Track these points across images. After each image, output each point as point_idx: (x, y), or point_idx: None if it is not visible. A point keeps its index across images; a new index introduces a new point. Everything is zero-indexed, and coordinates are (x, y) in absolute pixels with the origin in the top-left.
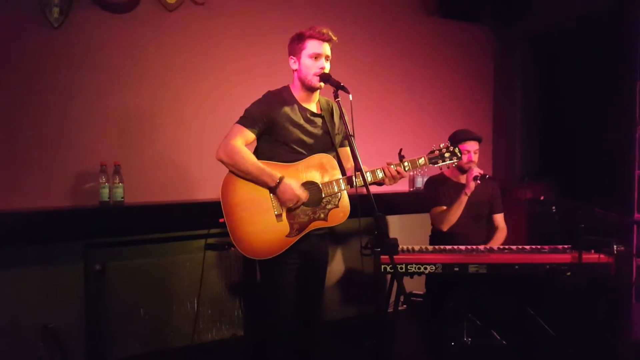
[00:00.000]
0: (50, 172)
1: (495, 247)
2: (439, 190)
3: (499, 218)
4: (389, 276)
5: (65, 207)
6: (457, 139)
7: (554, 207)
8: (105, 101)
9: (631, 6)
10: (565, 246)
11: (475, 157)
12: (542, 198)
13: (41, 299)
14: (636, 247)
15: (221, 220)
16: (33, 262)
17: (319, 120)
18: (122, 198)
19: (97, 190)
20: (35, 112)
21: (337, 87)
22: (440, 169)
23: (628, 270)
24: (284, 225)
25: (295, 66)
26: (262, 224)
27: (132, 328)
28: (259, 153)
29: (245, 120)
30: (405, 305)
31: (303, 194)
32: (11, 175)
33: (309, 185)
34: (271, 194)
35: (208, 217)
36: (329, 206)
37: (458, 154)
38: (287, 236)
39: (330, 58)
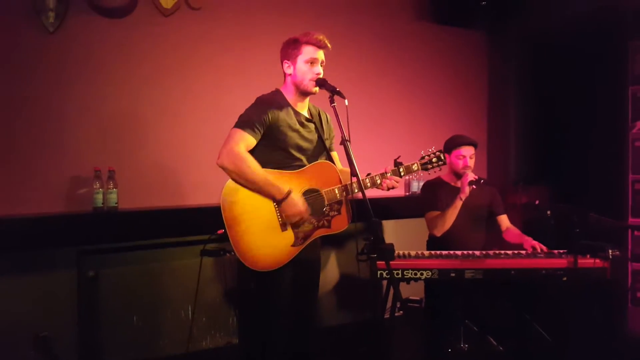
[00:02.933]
0: (43, 177)
1: (491, 253)
2: (435, 194)
3: (505, 219)
4: (385, 282)
5: (58, 213)
6: (452, 143)
7: (548, 212)
8: (100, 106)
9: (623, 12)
10: (561, 251)
11: (471, 162)
12: (537, 203)
13: (33, 307)
14: (630, 251)
15: (220, 232)
16: (25, 269)
17: (311, 126)
18: (116, 204)
19: (90, 195)
20: (29, 116)
21: (333, 92)
22: (430, 174)
23: (623, 275)
24: (289, 235)
25: (289, 70)
26: (266, 234)
27: (125, 336)
28: (255, 159)
29: (246, 125)
30: (401, 312)
31: (306, 212)
32: (3, 180)
33: (311, 192)
34: (275, 204)
35: (203, 223)
36: (332, 213)
37: (442, 158)
38: (292, 245)
39: (324, 64)
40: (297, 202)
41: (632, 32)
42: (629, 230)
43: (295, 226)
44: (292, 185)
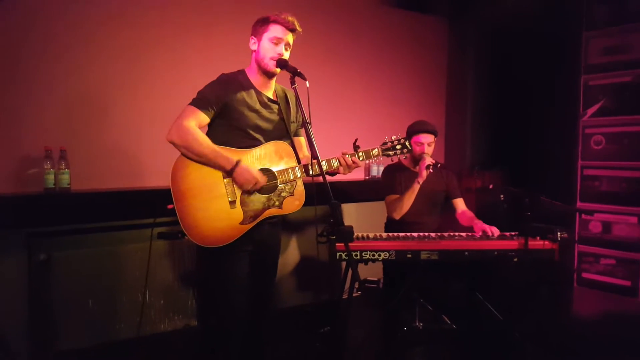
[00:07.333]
0: None
1: (446, 234)
2: (395, 178)
3: (460, 202)
4: (343, 263)
5: (6, 193)
6: (412, 130)
7: (502, 196)
8: (50, 83)
9: (578, 3)
10: (513, 233)
11: (428, 150)
12: (491, 187)
13: None
14: (577, 234)
15: (170, 206)
16: None
17: (275, 107)
18: (68, 185)
19: (41, 176)
20: None
21: (294, 73)
22: (393, 160)
23: (570, 256)
24: (238, 213)
25: (254, 47)
26: (214, 210)
27: (79, 320)
28: (212, 138)
29: (199, 102)
30: (359, 292)
31: (261, 177)
32: None
33: (264, 172)
34: (225, 180)
35: (159, 204)
36: (284, 194)
37: (408, 146)
38: (240, 223)
39: (290, 48)
40: (249, 168)
41: (586, 23)
42: (577, 214)
43: (245, 204)
44: (244, 161)
